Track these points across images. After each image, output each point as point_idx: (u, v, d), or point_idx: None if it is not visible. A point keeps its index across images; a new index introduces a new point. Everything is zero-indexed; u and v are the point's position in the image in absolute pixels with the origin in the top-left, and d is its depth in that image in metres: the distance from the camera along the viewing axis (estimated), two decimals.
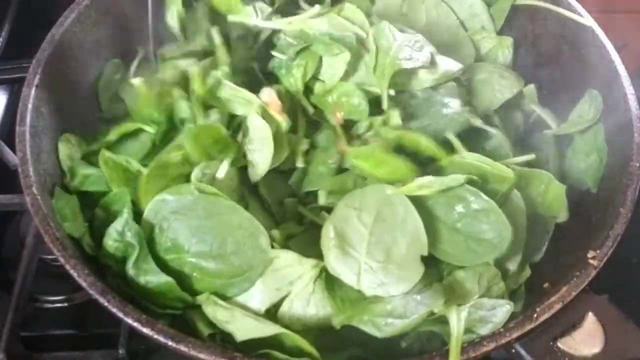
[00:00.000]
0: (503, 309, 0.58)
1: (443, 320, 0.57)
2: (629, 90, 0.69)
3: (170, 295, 0.58)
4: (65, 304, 0.79)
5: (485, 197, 0.61)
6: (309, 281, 0.58)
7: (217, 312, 0.57)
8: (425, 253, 0.59)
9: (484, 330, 0.57)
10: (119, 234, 0.60)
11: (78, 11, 0.73)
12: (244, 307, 0.58)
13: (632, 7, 1.21)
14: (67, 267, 0.56)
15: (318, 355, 0.56)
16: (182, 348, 0.52)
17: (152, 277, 0.58)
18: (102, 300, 0.55)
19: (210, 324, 0.58)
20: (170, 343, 0.53)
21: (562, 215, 0.70)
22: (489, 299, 0.59)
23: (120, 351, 0.72)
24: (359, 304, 0.59)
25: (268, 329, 0.56)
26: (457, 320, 0.56)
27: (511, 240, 0.60)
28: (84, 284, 0.55)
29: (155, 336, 0.53)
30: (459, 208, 0.62)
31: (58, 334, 0.78)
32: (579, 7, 0.77)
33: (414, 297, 0.58)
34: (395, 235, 0.59)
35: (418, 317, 0.57)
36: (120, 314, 0.54)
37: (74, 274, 0.56)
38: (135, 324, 0.54)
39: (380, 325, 0.58)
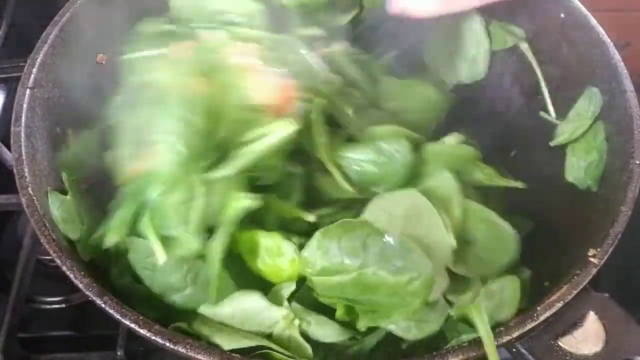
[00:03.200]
0: (511, 286, 0.60)
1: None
2: (629, 88, 0.69)
3: None
4: (63, 305, 0.79)
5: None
6: (286, 327, 0.57)
7: (203, 328, 0.57)
8: (450, 264, 0.60)
9: (503, 315, 0.58)
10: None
11: (74, 10, 0.73)
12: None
13: (635, 6, 1.21)
14: (64, 268, 0.56)
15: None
16: (180, 349, 0.52)
17: None
18: (99, 301, 0.54)
19: None
20: (168, 344, 0.52)
21: None
22: (493, 282, 0.61)
23: (119, 353, 0.72)
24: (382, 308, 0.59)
25: (253, 341, 0.55)
26: (480, 317, 0.56)
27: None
28: (80, 285, 0.55)
29: (153, 337, 0.53)
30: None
31: (56, 335, 0.77)
32: (578, 4, 0.77)
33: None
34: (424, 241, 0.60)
35: (441, 320, 0.59)
36: (117, 315, 0.54)
37: (71, 275, 0.56)
38: (133, 325, 0.53)
39: (408, 328, 0.59)
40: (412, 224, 0.61)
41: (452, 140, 0.71)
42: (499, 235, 0.65)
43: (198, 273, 0.58)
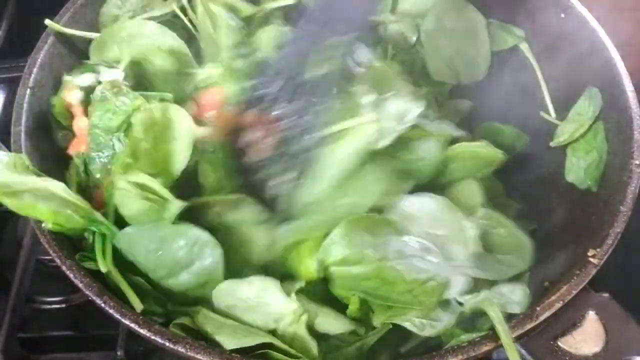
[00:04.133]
0: (519, 289, 0.61)
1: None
2: (629, 87, 0.69)
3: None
4: (63, 305, 0.79)
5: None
6: (293, 322, 0.57)
7: (205, 324, 0.57)
8: (468, 267, 0.62)
9: (515, 309, 0.59)
10: None
11: (73, 10, 0.73)
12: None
13: (635, 6, 1.20)
14: (64, 268, 0.56)
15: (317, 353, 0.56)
16: (180, 349, 0.52)
17: None
18: (98, 301, 0.54)
19: None
20: (167, 344, 0.52)
21: None
22: (503, 285, 0.62)
23: (119, 352, 0.72)
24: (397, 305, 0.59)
25: (256, 339, 0.55)
26: (494, 311, 0.57)
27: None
28: (80, 285, 0.55)
29: (153, 337, 0.53)
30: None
31: (56, 335, 0.77)
32: (578, 4, 0.77)
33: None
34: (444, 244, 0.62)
35: (453, 319, 0.60)
36: (117, 315, 0.54)
37: (71, 275, 0.56)
38: (132, 325, 0.53)
39: (422, 326, 0.59)
40: (435, 226, 0.62)
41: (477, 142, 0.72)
42: (517, 243, 0.66)
43: (204, 244, 0.58)
